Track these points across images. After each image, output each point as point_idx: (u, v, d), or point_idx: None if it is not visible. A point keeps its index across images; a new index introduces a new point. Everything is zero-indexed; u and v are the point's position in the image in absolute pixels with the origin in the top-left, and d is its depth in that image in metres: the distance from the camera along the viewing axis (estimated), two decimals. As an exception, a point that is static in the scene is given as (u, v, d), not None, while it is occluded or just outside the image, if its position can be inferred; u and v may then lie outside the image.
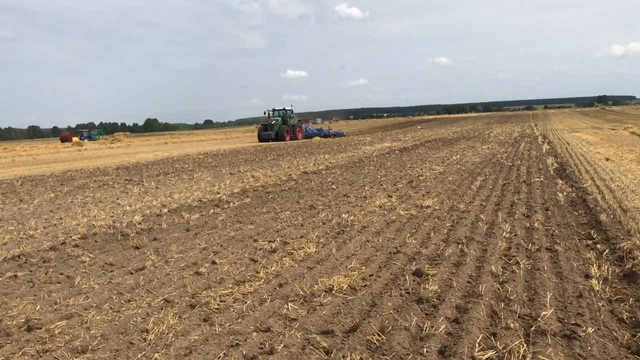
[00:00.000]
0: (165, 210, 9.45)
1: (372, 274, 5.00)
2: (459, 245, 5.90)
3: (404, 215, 7.88)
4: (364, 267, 5.23)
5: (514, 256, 5.41)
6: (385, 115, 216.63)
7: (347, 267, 5.25)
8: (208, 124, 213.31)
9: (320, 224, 7.62)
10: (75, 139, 64.83)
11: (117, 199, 11.42)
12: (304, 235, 6.84)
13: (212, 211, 9.14)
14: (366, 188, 11.19)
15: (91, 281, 5.22)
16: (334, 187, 11.67)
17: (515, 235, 6.37)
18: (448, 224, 7.12)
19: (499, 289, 4.43)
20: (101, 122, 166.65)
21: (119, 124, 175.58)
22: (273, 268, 5.36)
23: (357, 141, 33.11)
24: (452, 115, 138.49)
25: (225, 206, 9.66)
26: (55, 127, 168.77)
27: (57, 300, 4.66)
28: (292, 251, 6.02)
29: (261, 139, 39.07)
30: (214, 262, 5.67)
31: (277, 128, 38.72)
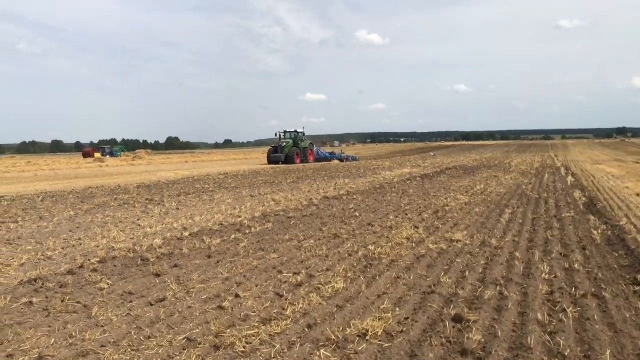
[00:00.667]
0: (186, 233, 9.23)
1: (408, 317, 4.65)
2: (497, 287, 5.53)
3: (433, 249, 7.52)
4: (397, 309, 4.89)
5: (558, 302, 5.02)
6: (402, 139, 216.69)
7: (379, 307, 4.92)
8: (227, 144, 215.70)
9: (346, 255, 7.30)
10: (97, 154, 65.75)
11: (138, 219, 11.26)
12: (329, 268, 6.53)
13: (233, 236, 8.90)
14: (390, 217, 10.86)
15: (109, 312, 4.96)
16: (357, 214, 11.36)
17: (555, 277, 5.98)
18: (482, 261, 6.75)
19: (548, 341, 4.06)
20: (123, 139, 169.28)
21: (141, 141, 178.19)
22: (300, 305, 5.04)
23: (376, 165, 32.82)
24: (470, 142, 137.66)
25: (247, 231, 9.41)
26: (77, 142, 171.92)
27: (73, 333, 4.40)
28: (319, 286, 5.70)
29: (270, 160, 38.44)
30: (237, 295, 5.38)
31: (287, 150, 38.12)
